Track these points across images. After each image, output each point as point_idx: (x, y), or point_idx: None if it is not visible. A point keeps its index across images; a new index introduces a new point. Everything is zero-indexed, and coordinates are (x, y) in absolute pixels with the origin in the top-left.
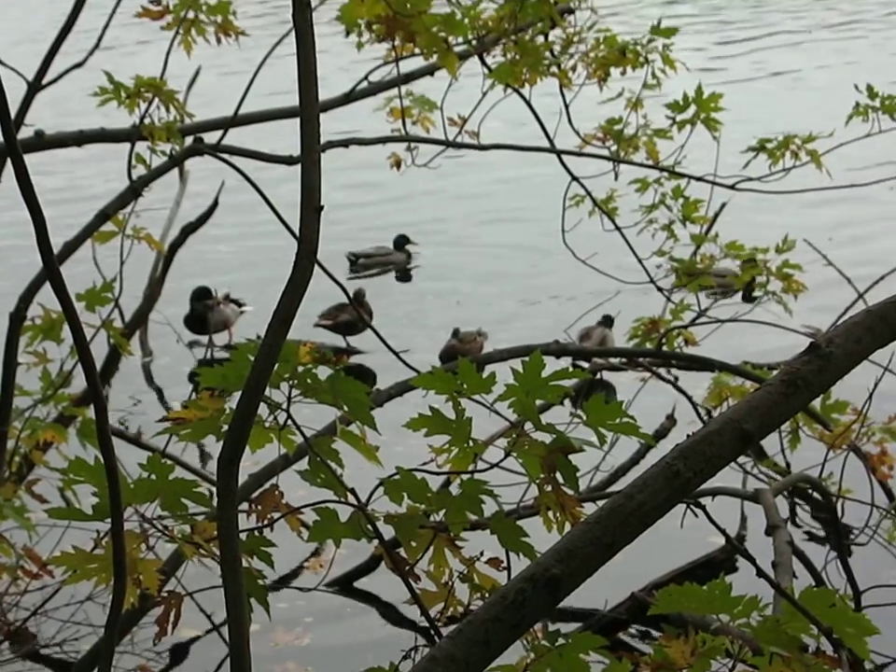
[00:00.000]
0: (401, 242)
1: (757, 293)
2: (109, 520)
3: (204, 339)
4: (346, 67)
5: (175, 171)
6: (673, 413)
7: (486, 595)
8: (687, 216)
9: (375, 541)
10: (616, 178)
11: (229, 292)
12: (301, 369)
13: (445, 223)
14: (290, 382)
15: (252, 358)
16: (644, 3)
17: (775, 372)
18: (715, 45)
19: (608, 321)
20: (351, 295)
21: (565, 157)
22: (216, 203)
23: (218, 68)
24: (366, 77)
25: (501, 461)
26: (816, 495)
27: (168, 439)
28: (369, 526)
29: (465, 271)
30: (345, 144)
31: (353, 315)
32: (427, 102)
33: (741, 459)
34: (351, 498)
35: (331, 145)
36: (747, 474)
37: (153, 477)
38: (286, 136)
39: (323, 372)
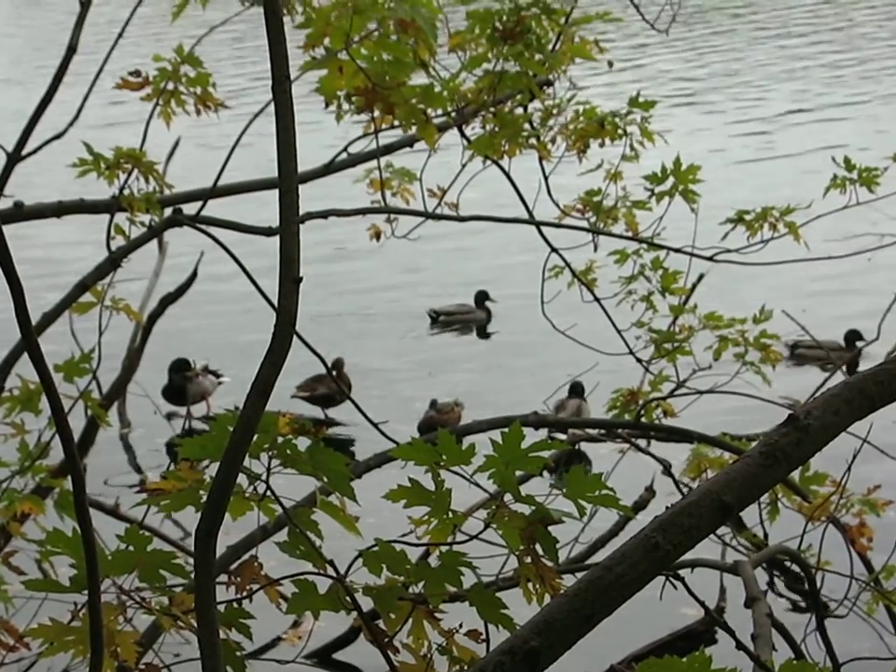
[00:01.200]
0: (482, 298)
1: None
2: (86, 592)
3: (182, 410)
4: (330, 143)
5: (155, 242)
6: (652, 485)
7: (465, 667)
8: (666, 287)
9: (354, 613)
10: (595, 250)
11: (207, 363)
12: (280, 439)
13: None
14: (270, 452)
15: (231, 429)
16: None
17: (753, 444)
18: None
19: (578, 389)
20: (329, 366)
21: (544, 228)
22: (195, 274)
23: (198, 139)
24: (345, 149)
25: (481, 533)
26: (795, 566)
27: (146, 510)
28: (347, 598)
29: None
30: (325, 215)
31: (331, 388)
32: (406, 173)
33: (720, 531)
34: (330, 570)
35: (310, 216)
36: (726, 546)
37: (131, 548)
38: (265, 207)
39: (302, 443)
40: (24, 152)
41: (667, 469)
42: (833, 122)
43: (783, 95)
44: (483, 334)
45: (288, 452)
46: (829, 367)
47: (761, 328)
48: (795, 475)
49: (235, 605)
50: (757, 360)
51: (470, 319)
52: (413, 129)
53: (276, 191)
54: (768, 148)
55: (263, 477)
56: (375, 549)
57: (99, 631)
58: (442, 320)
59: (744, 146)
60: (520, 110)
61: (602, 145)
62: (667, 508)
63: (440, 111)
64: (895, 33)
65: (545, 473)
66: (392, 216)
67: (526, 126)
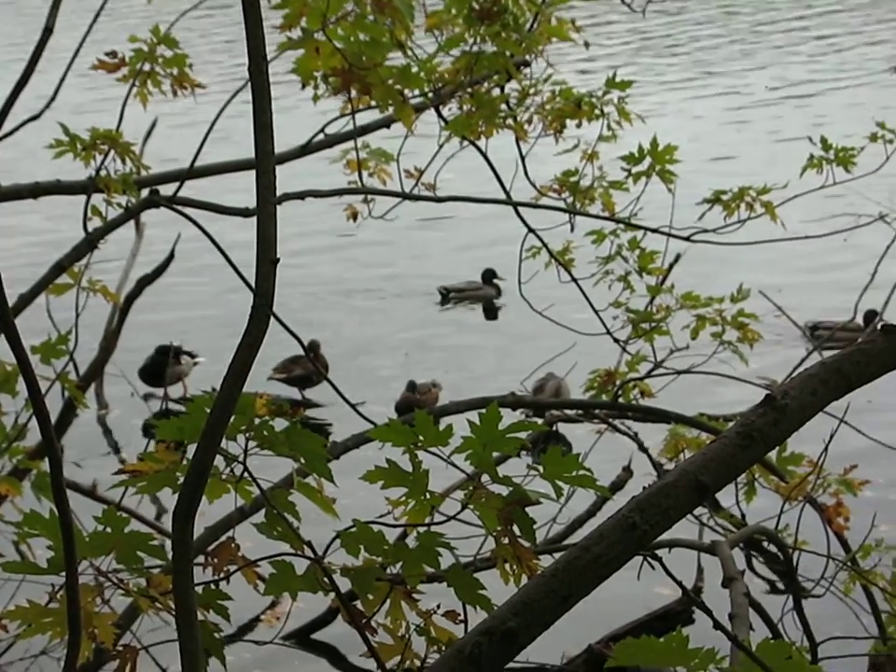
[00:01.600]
0: (489, 276)
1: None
2: (64, 573)
3: (159, 391)
4: (307, 123)
5: (132, 223)
6: (629, 465)
7: (443, 648)
8: (643, 267)
9: (332, 594)
10: (572, 230)
11: (181, 344)
12: (257, 421)
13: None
14: (247, 434)
15: (208, 411)
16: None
17: (731, 424)
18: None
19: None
20: (306, 346)
21: (521, 209)
22: (172, 256)
23: (172, 118)
24: (322, 130)
25: (458, 514)
26: (772, 546)
27: (123, 491)
28: (325, 579)
29: (413, 318)
30: (302, 196)
31: (307, 369)
32: (383, 154)
33: (697, 511)
34: (307, 551)
35: (287, 197)
36: (703, 526)
37: (108, 530)
38: (243, 188)
39: (280, 425)
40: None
41: (644, 450)
42: (814, 104)
43: (766, 78)
44: (492, 312)
45: (265, 433)
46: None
47: (738, 307)
48: (772, 455)
49: (213, 586)
50: (735, 339)
51: (480, 296)
52: (390, 110)
53: (253, 172)
54: (751, 130)
55: (240, 459)
56: (353, 530)
57: (77, 613)
58: (453, 297)
59: (726, 128)
60: (497, 91)
61: (579, 125)
62: (645, 488)
63: (416, 92)
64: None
65: (523, 454)
66: (369, 196)
67: (503, 107)
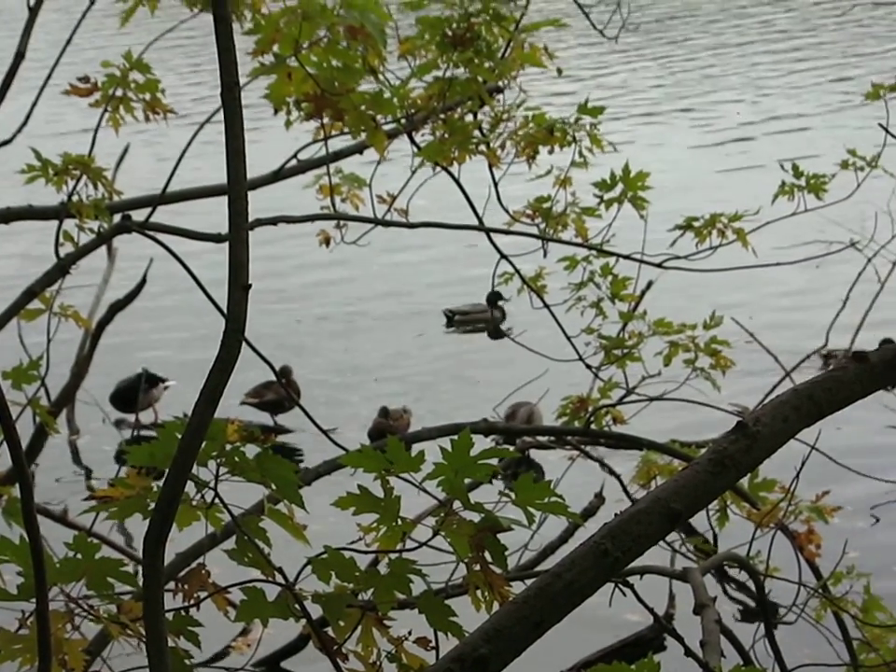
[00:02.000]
0: (494, 298)
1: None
2: (34, 600)
3: (131, 417)
4: (279, 150)
5: (104, 248)
6: (601, 492)
7: None
8: (615, 293)
9: (303, 620)
10: (545, 256)
11: (146, 368)
12: (228, 447)
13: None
14: (218, 460)
15: (179, 436)
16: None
17: (703, 451)
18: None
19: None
20: (278, 372)
21: (493, 235)
22: (143, 281)
23: (149, 145)
24: (295, 156)
25: (430, 540)
26: (744, 573)
27: (94, 517)
28: (296, 606)
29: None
30: (274, 221)
31: (279, 394)
32: (356, 179)
33: (670, 537)
34: (279, 577)
35: (260, 223)
36: (675, 552)
37: (79, 556)
38: (216, 214)
39: (251, 451)
40: None
41: (616, 477)
42: (792, 132)
43: (743, 106)
44: (497, 334)
45: (237, 459)
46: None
47: (711, 333)
48: (744, 482)
49: (183, 613)
50: (707, 366)
51: (485, 319)
52: (363, 135)
53: (226, 198)
54: (727, 158)
55: (211, 485)
56: (324, 556)
57: (47, 639)
58: (458, 320)
59: (703, 155)
60: (470, 117)
61: (551, 151)
62: (616, 515)
63: (389, 118)
64: (854, 38)
65: (495, 480)
66: (342, 222)
67: (476, 133)
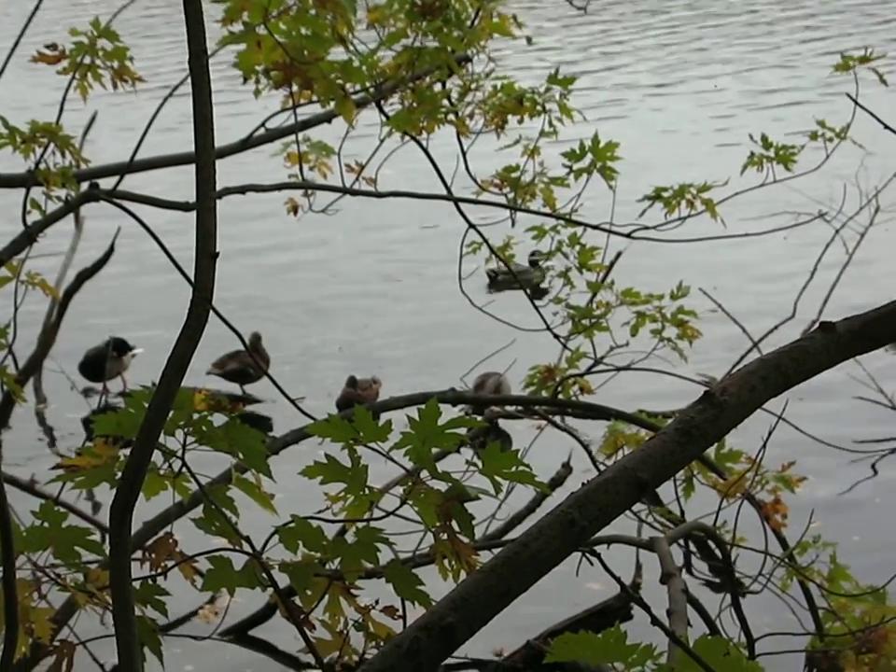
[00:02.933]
0: (536, 260)
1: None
2: (1, 568)
3: (98, 385)
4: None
5: (71, 216)
6: (569, 461)
7: (381, 643)
8: (583, 263)
9: (270, 589)
10: (513, 225)
11: (114, 336)
12: (196, 416)
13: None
14: (185, 429)
15: (146, 405)
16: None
17: (670, 421)
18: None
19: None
20: (247, 341)
21: (462, 204)
22: (111, 249)
23: (115, 114)
24: (263, 124)
25: (397, 509)
26: (710, 543)
27: (61, 486)
28: (264, 575)
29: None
30: (242, 190)
31: (244, 363)
32: (324, 147)
33: (636, 507)
34: (246, 546)
35: (228, 191)
36: (642, 522)
37: (46, 525)
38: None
39: (219, 420)
40: None
41: (584, 446)
42: (765, 103)
43: (715, 79)
44: (537, 293)
45: (204, 428)
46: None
47: (678, 304)
48: (711, 452)
49: (150, 581)
50: (674, 336)
51: (527, 279)
52: (332, 104)
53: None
54: (693, 128)
55: (179, 454)
56: (292, 525)
57: (14, 608)
58: (501, 279)
59: (669, 125)
60: (438, 86)
61: (521, 121)
62: (583, 484)
63: (358, 87)
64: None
65: (463, 450)
66: (309, 191)
67: (445, 102)
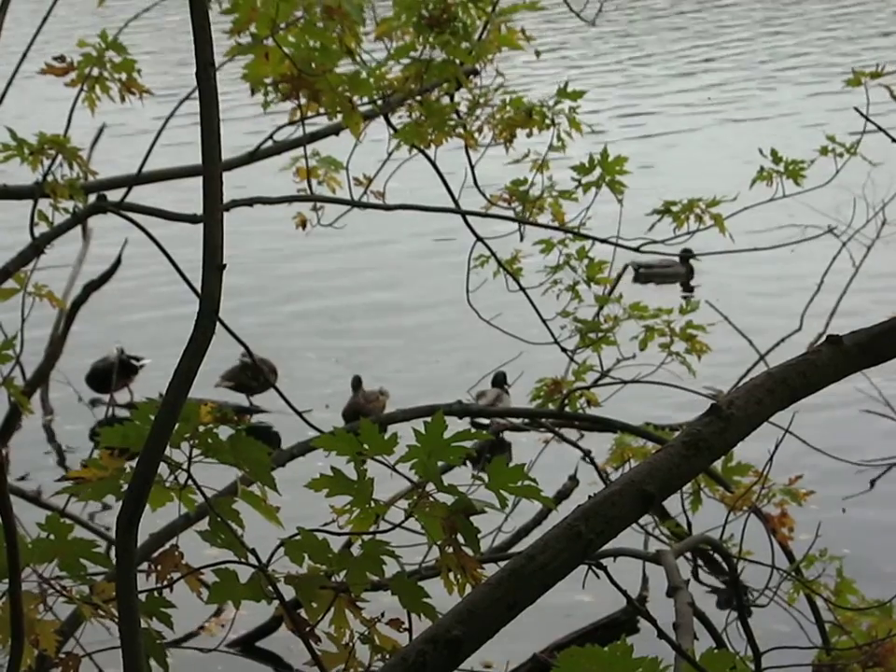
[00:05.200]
0: (686, 256)
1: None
2: (6, 580)
3: (105, 397)
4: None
5: (79, 228)
6: (575, 474)
7: (387, 656)
8: (591, 277)
9: (276, 602)
10: (521, 239)
11: (122, 348)
12: (201, 428)
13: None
14: (191, 441)
15: (153, 417)
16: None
17: (676, 434)
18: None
19: (500, 379)
20: (253, 354)
21: (469, 218)
22: (118, 261)
23: (123, 126)
24: (271, 137)
25: (403, 522)
26: (717, 556)
27: (68, 498)
28: (269, 587)
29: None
30: (250, 203)
31: (246, 377)
32: (332, 162)
33: (643, 520)
34: (251, 559)
35: (235, 203)
36: (648, 535)
37: (52, 537)
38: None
39: (225, 432)
40: None
41: (591, 460)
42: (773, 118)
43: (713, 91)
44: (688, 288)
45: (209, 441)
46: None
47: (686, 318)
48: (718, 465)
49: (156, 594)
50: (682, 351)
51: (670, 273)
52: (339, 117)
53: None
54: (700, 142)
55: (184, 466)
56: (297, 538)
57: (20, 619)
58: (643, 273)
59: (676, 139)
60: (446, 99)
61: (530, 135)
62: (590, 497)
63: (365, 99)
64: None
65: (469, 463)
66: (318, 204)
67: (454, 115)
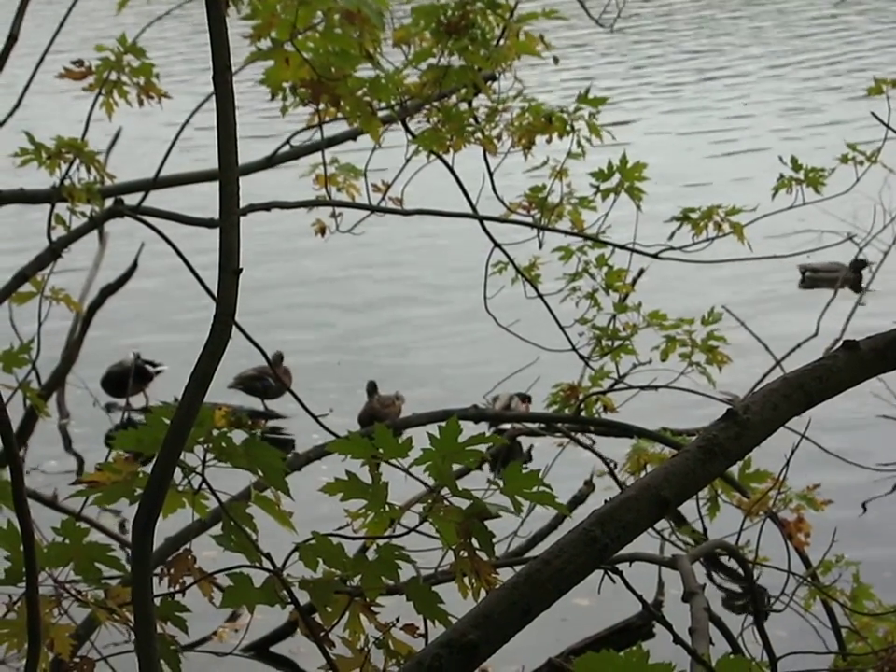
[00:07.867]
0: (859, 266)
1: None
2: (22, 584)
3: (121, 401)
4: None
5: (95, 232)
6: (591, 479)
7: (402, 661)
8: (610, 284)
9: (290, 606)
10: (540, 246)
11: (139, 353)
12: (215, 433)
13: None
14: (205, 446)
15: (168, 422)
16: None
17: (693, 439)
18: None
19: (523, 399)
20: (270, 357)
21: (488, 224)
22: (135, 265)
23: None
24: (288, 141)
25: (417, 526)
26: (733, 561)
27: (84, 501)
28: (284, 592)
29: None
30: (267, 207)
31: (259, 380)
32: (352, 169)
33: (659, 525)
34: (266, 563)
35: (253, 208)
36: (664, 540)
37: (67, 541)
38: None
39: (239, 437)
40: None
41: (606, 464)
42: (791, 122)
43: (742, 96)
44: (857, 290)
45: (223, 445)
46: None
47: (708, 329)
48: (735, 471)
49: (171, 598)
50: (703, 361)
51: (835, 278)
52: (357, 122)
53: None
54: (723, 149)
55: (198, 470)
56: (312, 542)
57: (37, 624)
58: (808, 276)
59: (697, 145)
60: (465, 105)
61: (549, 141)
62: (606, 502)
63: (383, 104)
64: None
65: (485, 466)
66: (337, 210)
67: (472, 121)
